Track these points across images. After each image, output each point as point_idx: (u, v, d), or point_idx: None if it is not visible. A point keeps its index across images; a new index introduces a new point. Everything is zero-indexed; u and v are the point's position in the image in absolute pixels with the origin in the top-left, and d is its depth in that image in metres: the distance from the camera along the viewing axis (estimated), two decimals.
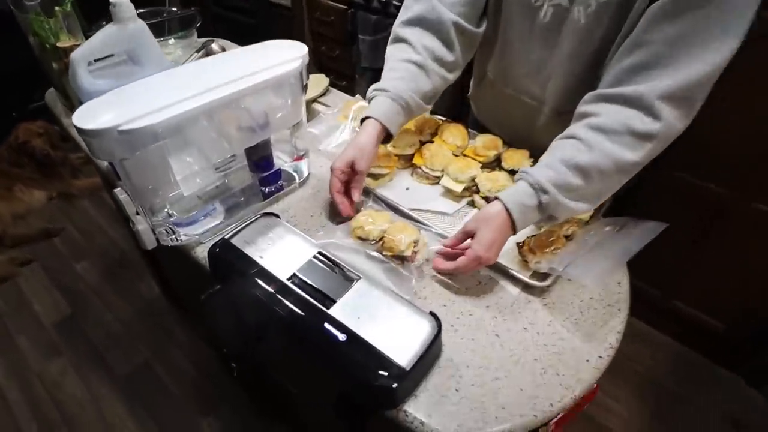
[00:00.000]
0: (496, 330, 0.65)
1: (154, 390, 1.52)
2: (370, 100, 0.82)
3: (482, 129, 1.03)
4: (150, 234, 0.71)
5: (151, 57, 0.85)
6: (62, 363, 1.61)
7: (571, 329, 0.66)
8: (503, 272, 0.73)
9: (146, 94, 0.67)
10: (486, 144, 0.89)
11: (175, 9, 1.47)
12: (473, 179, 0.84)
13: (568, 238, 0.74)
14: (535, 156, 0.88)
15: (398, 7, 1.77)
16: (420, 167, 0.88)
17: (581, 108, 0.67)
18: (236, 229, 0.69)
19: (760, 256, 1.36)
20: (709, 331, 1.56)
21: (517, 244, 0.75)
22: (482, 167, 0.88)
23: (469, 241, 0.67)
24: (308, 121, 1.01)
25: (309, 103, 1.14)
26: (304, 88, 0.80)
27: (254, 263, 0.63)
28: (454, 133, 0.92)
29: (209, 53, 1.02)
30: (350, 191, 0.78)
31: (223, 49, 1.05)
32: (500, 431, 0.54)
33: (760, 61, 1.11)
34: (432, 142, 0.94)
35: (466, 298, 0.69)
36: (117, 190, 0.68)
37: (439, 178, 0.88)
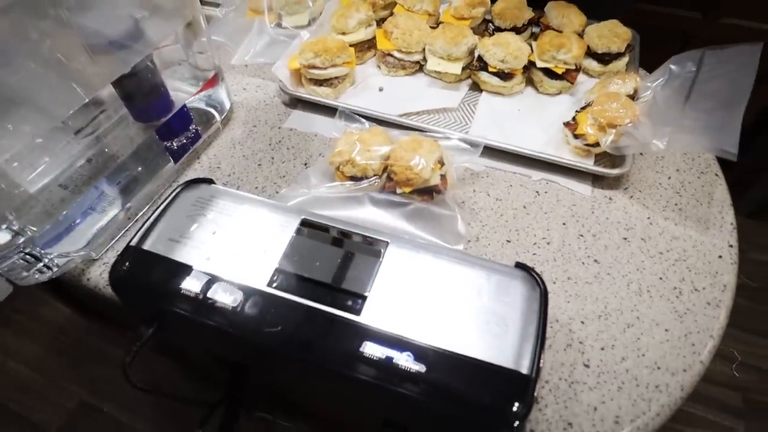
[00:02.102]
0: (591, 254, 0.44)
1: None
2: None
3: None
4: None
5: None
6: None
7: (678, 220, 0.47)
8: (563, 170, 0.51)
9: None
10: (469, 0, 0.62)
11: None
12: (471, 52, 0.58)
13: (632, 98, 0.52)
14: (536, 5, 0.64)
15: None
16: (390, 54, 0.60)
17: None
18: (147, 223, 0.40)
19: None
20: None
21: (566, 123, 0.53)
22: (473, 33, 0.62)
23: None
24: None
25: None
26: None
27: (200, 274, 0.36)
28: None
29: None
30: None
31: None
32: (677, 399, 0.36)
33: None
34: (392, 13, 0.65)
35: (531, 220, 0.47)
36: None
37: (420, 62, 0.61)
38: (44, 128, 0.42)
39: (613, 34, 0.59)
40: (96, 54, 0.43)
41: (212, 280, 0.35)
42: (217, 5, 0.74)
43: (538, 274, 0.35)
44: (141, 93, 0.49)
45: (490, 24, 0.65)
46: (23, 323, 1.43)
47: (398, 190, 0.44)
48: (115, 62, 0.45)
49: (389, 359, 0.31)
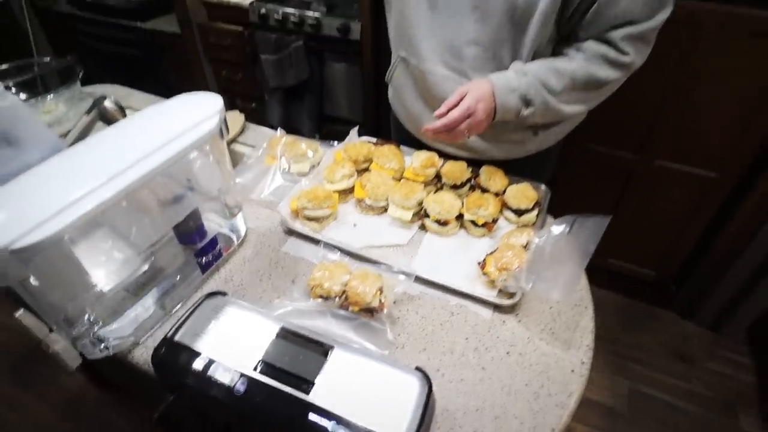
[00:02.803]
0: (481, 363, 0.63)
1: None
2: None
3: (408, 136, 1.02)
4: (71, 351, 0.61)
5: (32, 135, 0.73)
6: None
7: (549, 340, 0.66)
8: (472, 298, 0.71)
9: (40, 190, 0.56)
10: (423, 163, 0.87)
11: (47, 59, 1.29)
12: (420, 203, 0.82)
13: (525, 247, 0.74)
14: (475, 165, 0.88)
15: (297, 24, 1.72)
16: (363, 200, 0.84)
17: (564, 48, 0.80)
18: (179, 322, 0.61)
19: (667, 206, 1.51)
20: (643, 279, 1.71)
21: (479, 263, 0.74)
22: (425, 186, 0.86)
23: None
24: (233, 167, 0.93)
25: (228, 144, 1.06)
26: (226, 142, 0.72)
27: (211, 361, 0.56)
28: (388, 156, 0.89)
29: (104, 114, 0.90)
30: None
31: (119, 106, 0.92)
32: None
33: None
34: (368, 170, 0.90)
35: (443, 334, 0.67)
36: (19, 314, 0.57)
37: (385, 207, 0.84)
38: (123, 251, 0.65)
39: (523, 195, 0.82)
40: (163, 205, 0.67)
41: (218, 365, 0.55)
42: (252, 146, 1.01)
43: (426, 374, 0.54)
44: (188, 227, 0.72)
45: (439, 180, 0.89)
46: (43, 386, 1.60)
47: (350, 309, 0.65)
48: (176, 210, 0.68)
49: (324, 427, 0.50)
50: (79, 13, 2.39)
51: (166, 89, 2.43)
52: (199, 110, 0.67)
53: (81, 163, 0.60)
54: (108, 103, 0.91)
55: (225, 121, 0.69)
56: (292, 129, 2.01)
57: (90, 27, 2.38)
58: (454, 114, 0.75)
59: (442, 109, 0.77)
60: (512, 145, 0.92)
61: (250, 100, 2.13)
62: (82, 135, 0.90)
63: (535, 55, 0.80)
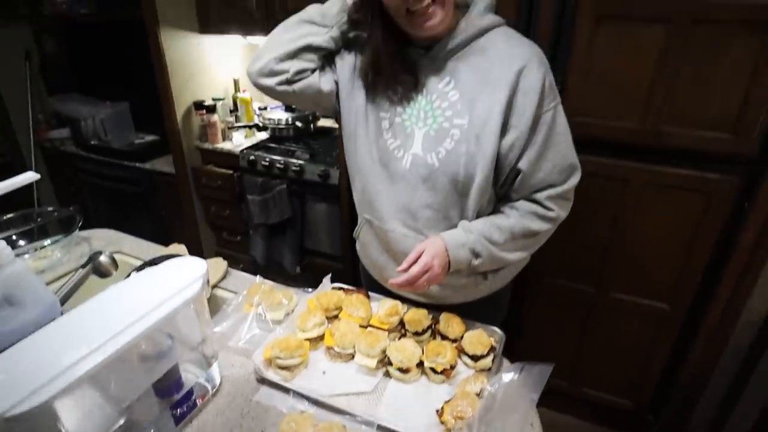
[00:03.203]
0: None
1: None
2: None
3: (375, 282, 1.14)
4: None
5: (32, 295, 0.81)
6: None
7: None
8: None
9: (35, 356, 0.63)
10: (388, 311, 0.96)
11: (51, 209, 1.42)
12: (384, 351, 0.89)
13: (478, 395, 0.80)
14: (436, 310, 0.98)
15: (282, 169, 1.94)
16: (332, 348, 0.92)
17: (502, 207, 0.97)
18: None
19: (629, 336, 1.60)
20: (620, 408, 1.72)
21: (437, 411, 0.79)
22: (389, 333, 0.94)
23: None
24: (212, 315, 1.00)
25: (210, 289, 1.14)
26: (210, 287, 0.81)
27: None
28: (356, 305, 0.98)
29: (98, 268, 1.00)
30: None
31: (112, 259, 1.03)
32: None
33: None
34: (337, 317, 0.99)
35: None
36: None
37: (352, 354, 0.91)
38: (102, 409, 0.70)
39: (478, 342, 0.91)
40: (144, 361, 0.74)
41: None
42: (234, 292, 1.10)
43: None
44: (165, 382, 0.77)
45: (403, 326, 0.98)
46: None
47: None
48: (155, 367, 0.75)
49: None
50: (83, 154, 2.63)
51: (159, 222, 2.59)
52: (185, 276, 0.77)
53: (75, 330, 0.68)
54: (103, 258, 1.01)
55: (208, 285, 0.79)
56: (273, 262, 2.13)
57: (92, 166, 2.60)
58: (414, 270, 0.87)
59: (404, 265, 0.89)
60: (466, 290, 1.04)
61: (236, 233, 2.28)
62: (75, 287, 0.98)
63: (478, 214, 0.96)
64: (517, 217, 0.94)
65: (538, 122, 0.88)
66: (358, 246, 1.18)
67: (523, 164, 0.90)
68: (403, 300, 1.02)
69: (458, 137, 0.89)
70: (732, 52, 1.15)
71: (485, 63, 0.88)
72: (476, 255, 0.92)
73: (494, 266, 0.99)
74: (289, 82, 0.95)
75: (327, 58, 0.99)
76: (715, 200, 1.31)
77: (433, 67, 0.92)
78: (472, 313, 1.00)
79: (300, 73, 0.95)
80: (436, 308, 1.00)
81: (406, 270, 0.89)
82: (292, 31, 0.95)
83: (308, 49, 0.94)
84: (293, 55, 0.94)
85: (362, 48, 0.96)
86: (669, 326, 1.54)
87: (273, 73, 0.95)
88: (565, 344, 1.72)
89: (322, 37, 0.94)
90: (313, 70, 0.97)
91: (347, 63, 0.99)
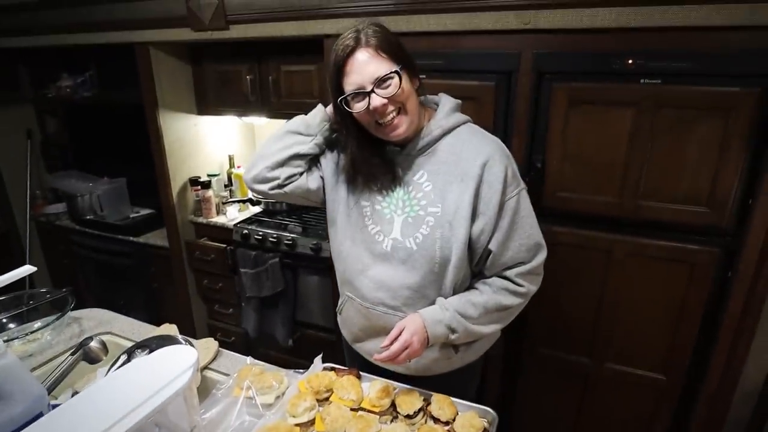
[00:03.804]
0: None
1: None
2: None
3: (357, 355, 1.16)
4: None
5: (20, 389, 0.80)
6: None
7: None
8: None
9: None
10: (379, 394, 0.96)
11: (43, 290, 1.42)
12: None
13: None
14: (426, 398, 0.97)
15: (275, 243, 1.97)
16: None
17: (476, 283, 1.04)
18: None
19: (627, 407, 1.58)
20: None
21: None
22: (381, 416, 0.93)
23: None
24: (201, 398, 0.98)
25: (200, 370, 1.13)
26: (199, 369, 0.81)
27: None
28: (347, 388, 0.97)
29: (87, 355, 0.99)
30: None
31: (103, 344, 1.02)
32: None
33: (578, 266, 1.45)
34: (329, 400, 0.98)
35: None
36: None
37: None
38: None
39: (470, 425, 0.89)
40: None
41: None
42: (225, 374, 1.09)
43: None
44: None
45: (395, 408, 0.96)
46: None
47: None
48: None
49: None
50: (77, 228, 2.66)
51: (151, 294, 2.57)
52: (175, 366, 0.77)
53: (66, 425, 0.67)
54: (93, 344, 1.01)
55: (198, 372, 0.80)
56: (266, 335, 2.11)
57: (86, 239, 2.62)
58: (395, 347, 0.94)
59: (386, 342, 0.95)
60: (438, 363, 1.08)
61: (228, 306, 2.27)
62: (64, 374, 0.97)
63: (454, 291, 1.02)
64: (489, 293, 1.01)
65: (503, 208, 0.97)
66: (339, 321, 1.22)
67: (492, 245, 0.98)
68: (387, 375, 1.05)
69: (433, 223, 0.98)
70: (699, 131, 1.24)
71: (453, 157, 0.99)
72: (452, 330, 0.98)
73: (469, 339, 1.04)
74: (280, 186, 1.06)
75: (313, 159, 1.10)
76: (698, 271, 1.35)
77: (408, 162, 1.02)
78: (448, 383, 1.04)
79: (290, 178, 1.06)
80: (414, 380, 1.03)
81: (387, 346, 0.94)
82: (281, 142, 1.06)
83: (296, 157, 1.05)
84: (283, 163, 1.05)
85: (344, 147, 1.06)
86: (668, 397, 1.52)
87: (266, 180, 1.06)
88: (564, 417, 1.67)
89: (308, 145, 1.06)
90: (302, 173, 1.07)
91: (331, 161, 1.10)
